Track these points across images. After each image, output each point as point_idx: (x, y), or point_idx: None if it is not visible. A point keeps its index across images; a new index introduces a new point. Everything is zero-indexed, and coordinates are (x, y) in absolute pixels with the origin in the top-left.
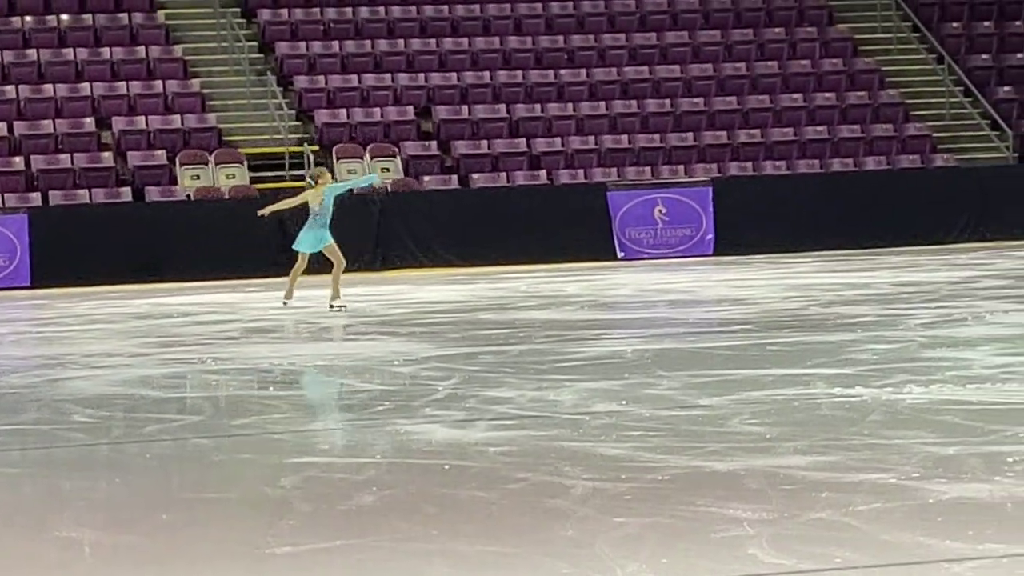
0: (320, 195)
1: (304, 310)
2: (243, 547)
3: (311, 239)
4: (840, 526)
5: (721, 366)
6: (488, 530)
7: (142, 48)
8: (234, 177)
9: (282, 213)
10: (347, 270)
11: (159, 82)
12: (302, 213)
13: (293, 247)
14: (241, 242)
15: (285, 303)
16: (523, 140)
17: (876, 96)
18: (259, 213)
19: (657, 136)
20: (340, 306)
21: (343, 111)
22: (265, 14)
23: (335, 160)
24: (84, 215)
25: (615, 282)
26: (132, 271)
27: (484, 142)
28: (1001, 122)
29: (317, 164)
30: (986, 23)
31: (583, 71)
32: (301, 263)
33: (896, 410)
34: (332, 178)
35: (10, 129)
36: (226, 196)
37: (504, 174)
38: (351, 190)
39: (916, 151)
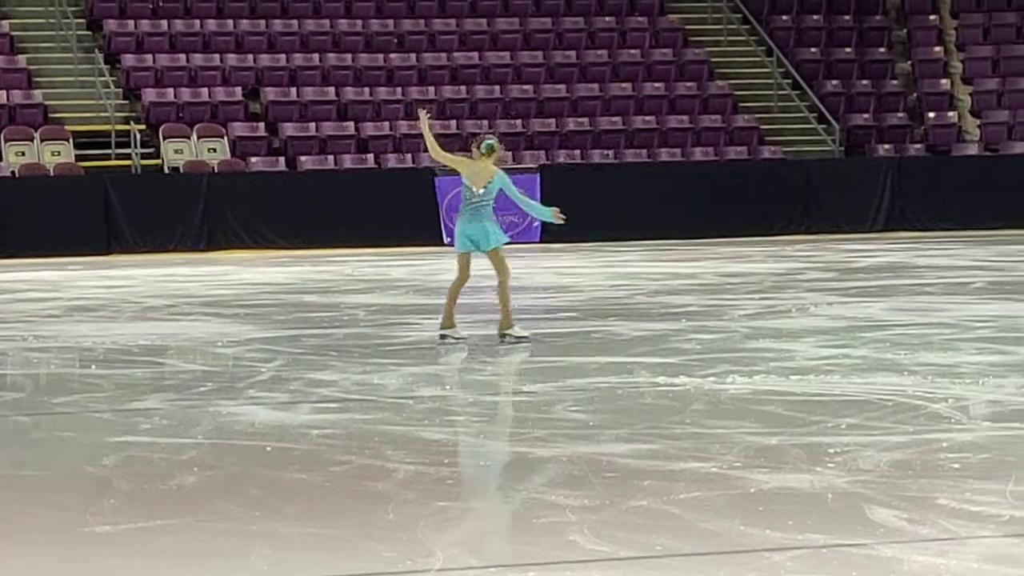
0: (490, 175)
1: (128, 289)
2: (62, 525)
3: (474, 233)
4: (661, 514)
5: (546, 353)
6: (310, 512)
7: None
8: (59, 154)
9: (110, 189)
10: (170, 249)
11: None
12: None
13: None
14: (65, 220)
15: (443, 336)
16: (351, 123)
17: (705, 87)
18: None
19: (486, 122)
20: (508, 335)
21: (171, 90)
22: None
23: (162, 139)
24: None
25: (441, 267)
26: None
27: (312, 124)
28: (828, 115)
29: (483, 136)
30: (815, 16)
31: (413, 56)
32: (462, 272)
33: (719, 400)
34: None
35: None
36: (51, 173)
37: (332, 157)
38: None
39: (744, 142)
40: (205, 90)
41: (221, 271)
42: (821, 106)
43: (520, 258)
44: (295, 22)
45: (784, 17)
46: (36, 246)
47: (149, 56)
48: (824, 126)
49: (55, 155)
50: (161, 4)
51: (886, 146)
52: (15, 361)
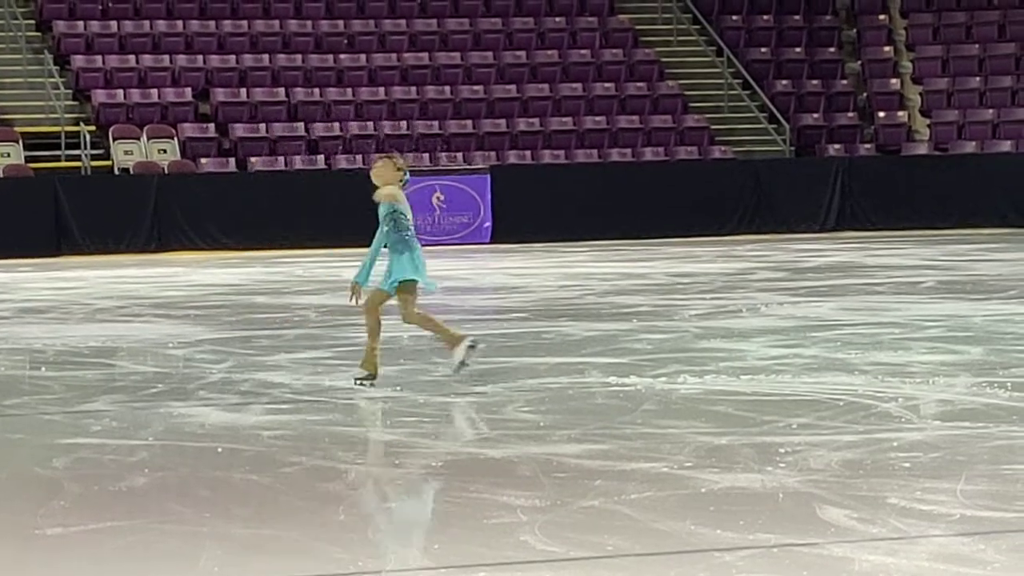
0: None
1: (78, 290)
2: (12, 527)
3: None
4: (612, 514)
5: (497, 354)
6: (261, 513)
7: None
8: (9, 156)
9: (60, 190)
10: (121, 250)
11: None
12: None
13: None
14: (14, 221)
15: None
16: (301, 124)
17: (655, 87)
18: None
19: (436, 122)
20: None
21: (120, 91)
22: None
23: (112, 140)
24: None
25: None
26: None
27: (262, 125)
28: (778, 115)
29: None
30: (765, 17)
31: (363, 56)
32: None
33: (670, 400)
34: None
35: None
36: (0, 175)
37: (282, 158)
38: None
39: (694, 143)
40: (155, 91)
41: (171, 272)
42: (771, 106)
43: (470, 259)
44: (245, 23)
45: (734, 17)
46: None
47: (99, 57)
48: (774, 126)
49: (4, 156)
50: (111, 5)
51: (836, 146)
52: None
